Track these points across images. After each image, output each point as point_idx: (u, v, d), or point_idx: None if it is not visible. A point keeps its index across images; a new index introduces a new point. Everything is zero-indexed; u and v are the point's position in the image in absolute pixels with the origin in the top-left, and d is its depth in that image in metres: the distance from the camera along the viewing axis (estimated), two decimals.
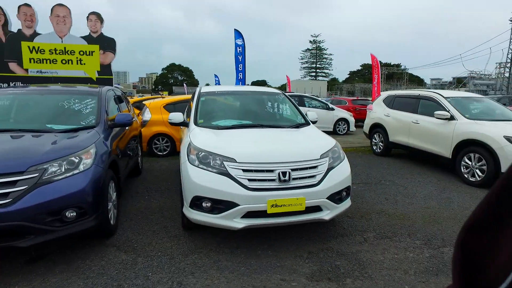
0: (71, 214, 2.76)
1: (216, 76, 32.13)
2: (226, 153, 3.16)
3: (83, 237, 3.35)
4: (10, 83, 7.11)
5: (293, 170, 3.09)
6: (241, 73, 13.14)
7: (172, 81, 79.55)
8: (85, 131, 3.47)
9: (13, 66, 7.33)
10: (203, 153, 3.23)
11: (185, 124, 4.23)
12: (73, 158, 2.92)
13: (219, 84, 29.95)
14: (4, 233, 2.52)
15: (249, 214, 3.01)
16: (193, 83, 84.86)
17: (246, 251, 3.22)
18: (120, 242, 3.37)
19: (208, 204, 3.07)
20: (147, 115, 7.63)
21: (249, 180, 3.02)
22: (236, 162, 3.07)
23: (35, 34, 7.59)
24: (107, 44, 8.15)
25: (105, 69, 8.11)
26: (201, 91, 4.71)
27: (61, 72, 7.54)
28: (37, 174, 2.67)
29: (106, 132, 3.70)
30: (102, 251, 3.17)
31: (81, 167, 2.92)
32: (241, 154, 3.13)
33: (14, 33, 7.47)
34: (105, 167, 3.20)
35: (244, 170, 3.05)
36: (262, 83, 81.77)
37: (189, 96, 8.39)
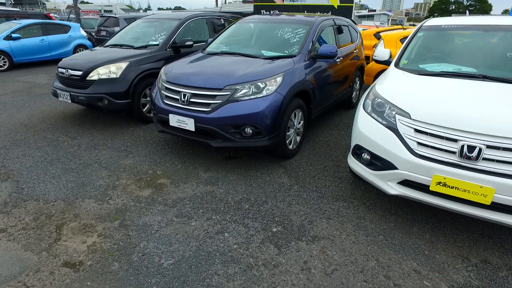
0: (248, 130, 3.29)
1: None
2: (402, 104, 2.61)
3: (262, 152, 3.94)
4: (271, 11, 8.39)
5: (489, 147, 2.19)
6: None
7: (454, 7, 66.11)
8: (283, 60, 3.77)
9: None
10: (378, 100, 2.83)
11: (388, 63, 3.71)
12: (259, 83, 3.33)
13: None
14: (204, 133, 3.39)
15: (407, 183, 2.51)
16: (484, 9, 67.20)
17: (400, 221, 2.79)
18: (291, 166, 3.73)
19: (367, 157, 2.78)
20: (379, 48, 7.10)
21: (419, 143, 2.43)
22: (410, 118, 2.50)
23: None
24: None
25: None
26: (423, 24, 3.84)
27: (309, 0, 8.05)
28: (229, 93, 3.28)
29: (304, 62, 3.86)
30: (272, 169, 3.65)
31: (264, 92, 3.31)
32: (419, 110, 2.50)
33: None
34: (288, 96, 3.44)
35: (416, 131, 2.46)
36: None
37: None
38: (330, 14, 7.39)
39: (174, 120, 3.51)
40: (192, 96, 3.40)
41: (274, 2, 8.32)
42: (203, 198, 3.07)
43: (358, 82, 6.12)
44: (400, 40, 6.95)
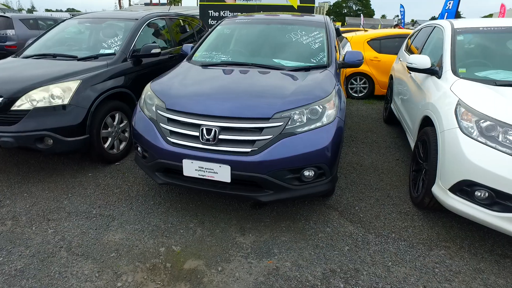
0: (309, 173, 2.37)
1: (402, 6, 26.56)
2: None
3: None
4: (221, 11, 7.40)
5: None
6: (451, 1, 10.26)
7: (346, 10, 73.75)
8: (319, 71, 2.94)
9: None
10: (487, 123, 2.22)
11: (432, 71, 3.20)
12: (316, 107, 2.44)
13: (404, 18, 24.89)
14: (247, 183, 2.35)
15: None
16: (369, 13, 76.40)
17: None
18: (341, 206, 2.92)
19: (485, 195, 2.16)
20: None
21: None
22: None
23: None
24: None
25: None
26: (454, 27, 3.42)
27: (264, 0, 7.32)
28: (282, 123, 2.31)
29: (337, 74, 3.09)
30: (324, 214, 2.79)
31: (324, 120, 2.42)
32: None
33: None
34: (344, 119, 2.63)
35: None
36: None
37: (402, 31, 7.00)
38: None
39: (191, 169, 2.36)
40: (223, 131, 2.31)
41: (225, 2, 7.33)
42: (273, 285, 2.05)
43: None
44: (367, 42, 6.72)
